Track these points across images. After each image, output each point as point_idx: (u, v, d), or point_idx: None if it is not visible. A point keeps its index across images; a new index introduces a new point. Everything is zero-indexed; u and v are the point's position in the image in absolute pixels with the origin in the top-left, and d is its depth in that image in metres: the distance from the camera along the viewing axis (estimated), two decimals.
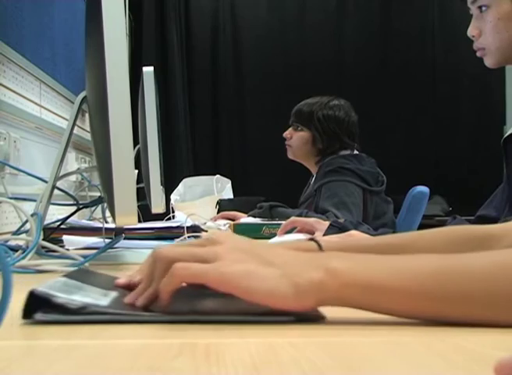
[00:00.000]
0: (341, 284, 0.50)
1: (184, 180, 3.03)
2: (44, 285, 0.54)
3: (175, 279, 0.51)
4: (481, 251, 0.54)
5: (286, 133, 2.37)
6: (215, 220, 2.40)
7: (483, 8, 1.32)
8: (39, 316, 0.51)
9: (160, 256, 0.54)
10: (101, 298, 0.56)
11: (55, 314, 0.51)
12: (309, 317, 0.52)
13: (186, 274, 0.51)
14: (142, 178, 1.20)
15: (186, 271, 0.51)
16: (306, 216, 1.87)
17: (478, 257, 0.53)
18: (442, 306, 0.51)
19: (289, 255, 0.54)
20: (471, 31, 1.33)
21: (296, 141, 2.33)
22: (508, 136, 1.32)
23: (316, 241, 0.81)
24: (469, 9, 1.39)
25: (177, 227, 1.45)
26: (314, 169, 2.36)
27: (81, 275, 0.67)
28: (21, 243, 1.06)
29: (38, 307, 0.52)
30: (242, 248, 0.53)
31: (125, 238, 1.26)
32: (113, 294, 0.59)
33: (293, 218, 1.57)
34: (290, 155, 2.40)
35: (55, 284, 0.56)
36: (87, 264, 0.96)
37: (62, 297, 0.52)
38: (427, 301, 0.51)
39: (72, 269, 0.93)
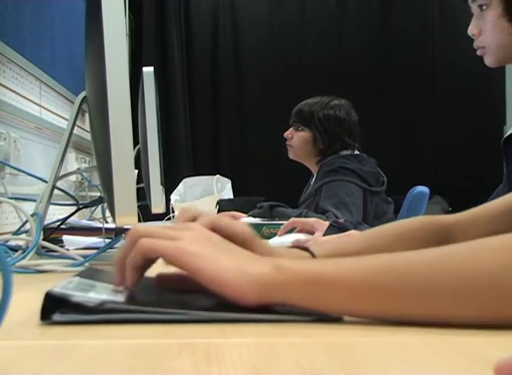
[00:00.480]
0: (287, 279, 0.51)
1: (184, 180, 3.03)
2: (59, 285, 0.54)
3: (137, 252, 0.53)
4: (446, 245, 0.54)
5: (287, 134, 2.37)
6: None
7: (483, 7, 1.33)
8: (57, 316, 0.51)
9: (132, 232, 0.56)
10: (117, 295, 0.56)
11: (72, 314, 0.51)
12: (327, 318, 0.52)
13: (147, 247, 0.53)
14: (142, 178, 1.20)
15: (147, 244, 0.53)
16: (306, 216, 1.87)
17: (434, 252, 0.53)
18: (394, 301, 0.50)
19: (243, 250, 0.56)
20: (471, 30, 1.33)
21: (297, 141, 2.33)
22: (508, 136, 1.32)
23: (310, 252, 0.78)
24: (469, 8, 1.39)
25: None
26: (314, 169, 2.36)
27: (92, 273, 0.67)
28: (21, 243, 1.06)
29: (56, 308, 0.51)
30: (206, 236, 0.55)
31: (125, 238, 1.26)
32: (126, 290, 0.59)
33: (292, 219, 1.57)
34: (291, 156, 2.40)
35: (68, 284, 0.55)
36: (86, 264, 0.96)
37: (79, 295, 0.52)
38: (375, 295, 0.51)
39: (72, 269, 0.93)
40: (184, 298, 0.58)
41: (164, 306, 0.53)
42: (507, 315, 0.48)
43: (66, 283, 0.56)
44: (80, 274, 0.62)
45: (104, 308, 0.51)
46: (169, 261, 0.53)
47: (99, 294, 0.54)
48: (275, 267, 0.51)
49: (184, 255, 0.51)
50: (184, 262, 0.51)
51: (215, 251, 0.53)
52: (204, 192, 2.94)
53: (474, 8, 1.36)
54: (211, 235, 0.57)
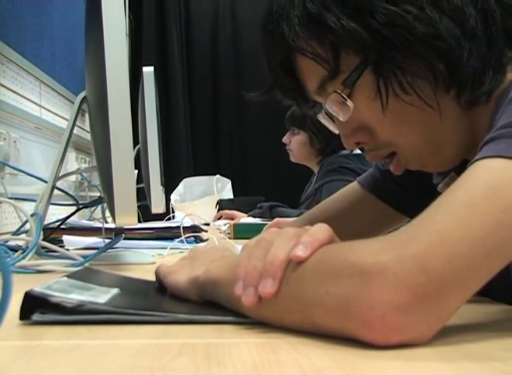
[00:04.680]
0: (204, 279, 0.57)
1: (184, 180, 3.03)
2: (41, 285, 0.54)
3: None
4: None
5: (285, 139, 2.38)
6: (215, 220, 2.40)
7: None
8: (36, 316, 0.51)
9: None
10: (101, 296, 0.56)
11: (51, 314, 0.51)
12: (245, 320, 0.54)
13: (156, 272, 0.67)
14: (142, 178, 1.20)
15: (157, 271, 0.68)
16: None
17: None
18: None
19: (209, 256, 0.62)
20: None
21: (295, 144, 2.34)
22: None
23: None
24: None
25: (177, 227, 1.45)
26: (316, 170, 2.37)
27: (84, 274, 0.67)
28: (21, 243, 1.06)
29: (35, 307, 0.52)
30: (191, 256, 0.66)
31: (125, 238, 1.26)
32: (114, 291, 0.60)
33: (276, 219, 1.56)
34: (292, 159, 2.41)
35: (53, 285, 0.56)
36: (86, 264, 0.96)
37: (58, 296, 0.52)
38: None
39: (72, 269, 0.93)
40: (166, 302, 0.61)
41: (144, 308, 0.54)
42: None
43: (52, 284, 0.56)
44: (70, 275, 0.63)
45: (82, 309, 0.51)
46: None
47: (80, 295, 0.54)
48: (206, 270, 0.57)
49: (163, 276, 0.65)
50: (162, 279, 0.65)
51: (182, 267, 0.63)
52: (204, 192, 2.94)
53: None
54: (195, 253, 0.67)
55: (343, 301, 0.44)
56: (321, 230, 0.50)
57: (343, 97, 0.65)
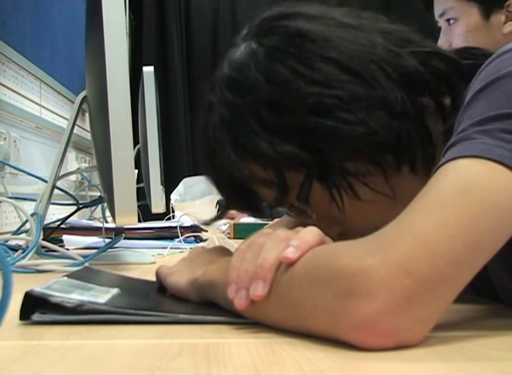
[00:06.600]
0: (203, 280, 0.58)
1: (184, 180, 3.03)
2: (41, 285, 0.54)
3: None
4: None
5: None
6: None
7: (451, 21, 1.36)
8: (36, 316, 0.51)
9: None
10: (101, 295, 0.56)
11: (51, 314, 0.51)
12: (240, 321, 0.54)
13: (156, 273, 0.69)
14: (142, 178, 1.20)
15: (157, 271, 0.69)
16: None
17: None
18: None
19: (208, 257, 0.64)
20: (441, 45, 1.36)
21: None
22: None
23: None
24: (437, 22, 1.42)
25: (177, 227, 1.45)
26: None
27: (84, 274, 0.67)
28: (21, 243, 1.06)
29: (35, 308, 0.52)
30: (191, 256, 0.68)
31: (125, 238, 1.26)
32: (114, 290, 0.60)
33: (277, 220, 1.55)
34: None
35: (53, 284, 0.56)
36: (86, 264, 0.96)
37: (58, 296, 0.52)
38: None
39: (72, 268, 0.93)
40: (166, 303, 0.61)
41: (144, 308, 0.54)
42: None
43: (52, 283, 0.56)
44: (70, 275, 0.63)
45: (82, 309, 0.51)
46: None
47: (80, 295, 0.54)
48: (204, 271, 0.58)
49: (163, 276, 0.66)
50: (163, 280, 0.66)
51: (183, 268, 0.65)
52: (204, 192, 2.93)
53: (441, 22, 1.39)
54: (193, 253, 0.69)
55: (332, 314, 0.44)
56: (311, 233, 0.51)
57: (300, 209, 0.66)
